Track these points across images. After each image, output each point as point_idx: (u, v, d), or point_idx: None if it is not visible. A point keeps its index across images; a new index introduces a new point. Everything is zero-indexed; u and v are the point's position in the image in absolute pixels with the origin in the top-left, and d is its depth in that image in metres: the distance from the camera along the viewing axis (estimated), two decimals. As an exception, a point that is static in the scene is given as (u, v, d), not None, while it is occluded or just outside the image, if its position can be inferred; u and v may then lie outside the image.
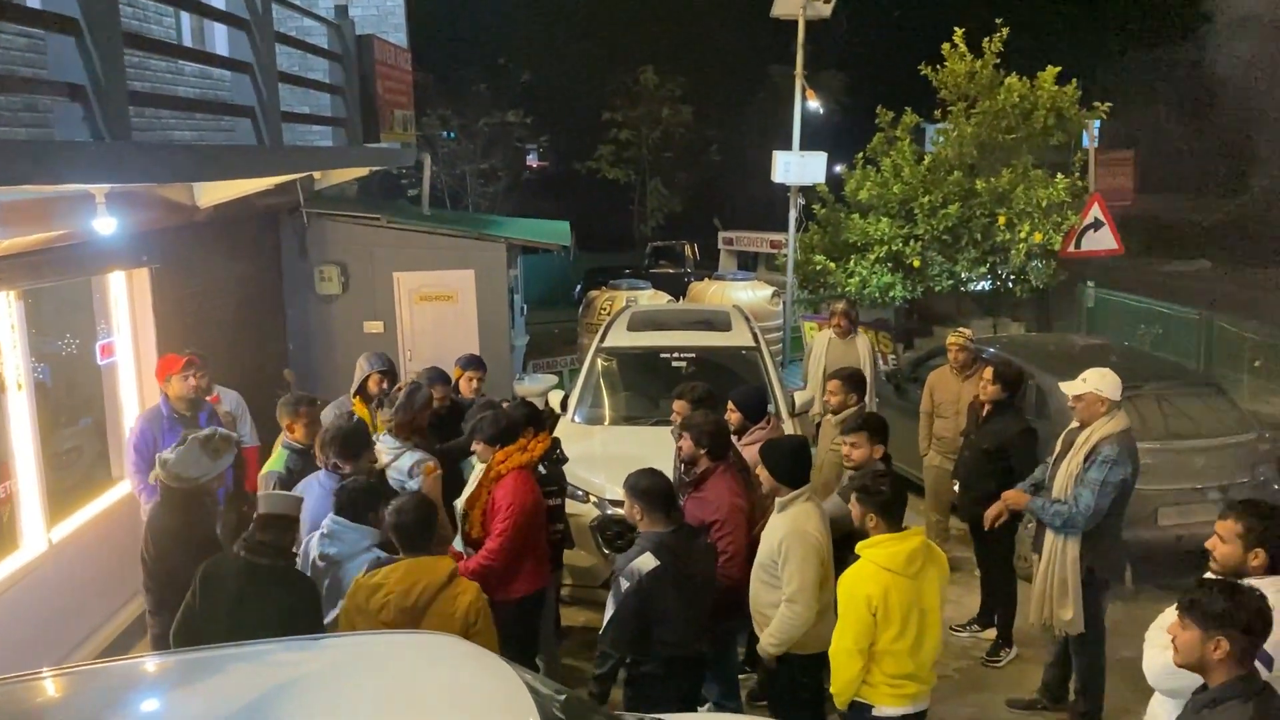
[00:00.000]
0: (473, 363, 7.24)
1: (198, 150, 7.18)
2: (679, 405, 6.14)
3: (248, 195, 8.14)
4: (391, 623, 4.15)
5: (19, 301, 6.03)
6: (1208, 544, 3.87)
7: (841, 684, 4.41)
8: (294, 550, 4.60)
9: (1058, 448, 5.88)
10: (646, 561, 4.55)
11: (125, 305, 7.39)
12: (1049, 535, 5.70)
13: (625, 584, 4.57)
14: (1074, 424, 5.82)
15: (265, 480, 5.69)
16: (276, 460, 5.86)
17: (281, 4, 7.77)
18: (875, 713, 4.42)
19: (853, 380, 6.82)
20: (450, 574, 4.36)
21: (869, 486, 4.50)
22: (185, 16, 8.64)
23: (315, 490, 5.24)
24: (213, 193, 7.75)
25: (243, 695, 3.29)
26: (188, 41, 8.89)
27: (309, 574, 4.68)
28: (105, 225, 5.67)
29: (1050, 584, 5.68)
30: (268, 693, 3.31)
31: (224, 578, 4.29)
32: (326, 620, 4.50)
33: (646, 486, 4.72)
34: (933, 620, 4.42)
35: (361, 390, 6.83)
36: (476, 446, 5.63)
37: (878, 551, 4.36)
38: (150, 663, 3.75)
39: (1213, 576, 3.47)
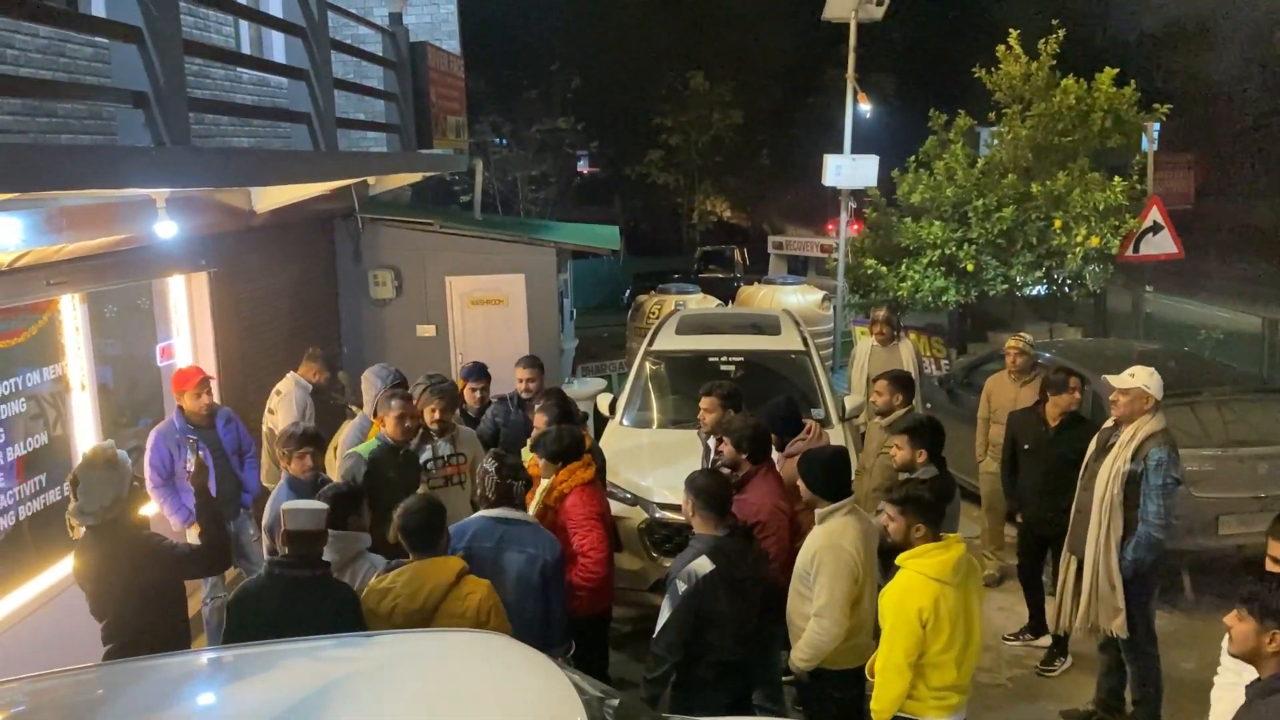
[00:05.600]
0: (472, 373, 7.11)
1: (255, 154, 7.32)
2: (707, 402, 6.13)
3: (303, 200, 8.27)
4: (401, 626, 4.15)
5: (83, 304, 6.19)
6: (1269, 565, 3.82)
7: (887, 700, 4.29)
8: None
9: (1092, 447, 5.87)
10: (703, 565, 4.52)
11: (184, 309, 7.57)
12: (1092, 538, 5.63)
13: (682, 586, 4.53)
14: (1108, 423, 5.79)
15: (343, 460, 5.67)
16: (365, 446, 5.75)
17: (338, 12, 7.88)
18: None
19: (900, 381, 6.68)
20: (459, 574, 4.29)
21: (910, 497, 4.42)
22: (244, 25, 8.82)
23: (282, 493, 5.29)
24: (269, 198, 7.90)
25: (295, 690, 3.35)
26: (246, 50, 9.07)
27: None
28: (166, 229, 5.81)
29: (1095, 588, 5.61)
30: (319, 688, 3.36)
31: (260, 598, 4.22)
32: None
33: (704, 485, 4.72)
34: (975, 628, 4.36)
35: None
36: (539, 463, 5.48)
37: (925, 562, 4.26)
38: (204, 657, 3.82)
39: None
